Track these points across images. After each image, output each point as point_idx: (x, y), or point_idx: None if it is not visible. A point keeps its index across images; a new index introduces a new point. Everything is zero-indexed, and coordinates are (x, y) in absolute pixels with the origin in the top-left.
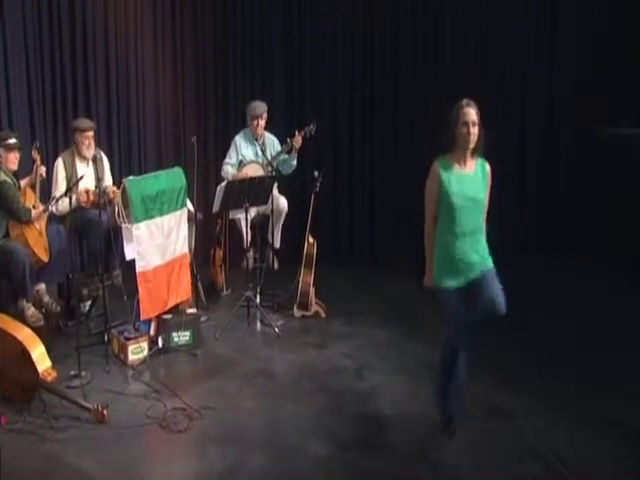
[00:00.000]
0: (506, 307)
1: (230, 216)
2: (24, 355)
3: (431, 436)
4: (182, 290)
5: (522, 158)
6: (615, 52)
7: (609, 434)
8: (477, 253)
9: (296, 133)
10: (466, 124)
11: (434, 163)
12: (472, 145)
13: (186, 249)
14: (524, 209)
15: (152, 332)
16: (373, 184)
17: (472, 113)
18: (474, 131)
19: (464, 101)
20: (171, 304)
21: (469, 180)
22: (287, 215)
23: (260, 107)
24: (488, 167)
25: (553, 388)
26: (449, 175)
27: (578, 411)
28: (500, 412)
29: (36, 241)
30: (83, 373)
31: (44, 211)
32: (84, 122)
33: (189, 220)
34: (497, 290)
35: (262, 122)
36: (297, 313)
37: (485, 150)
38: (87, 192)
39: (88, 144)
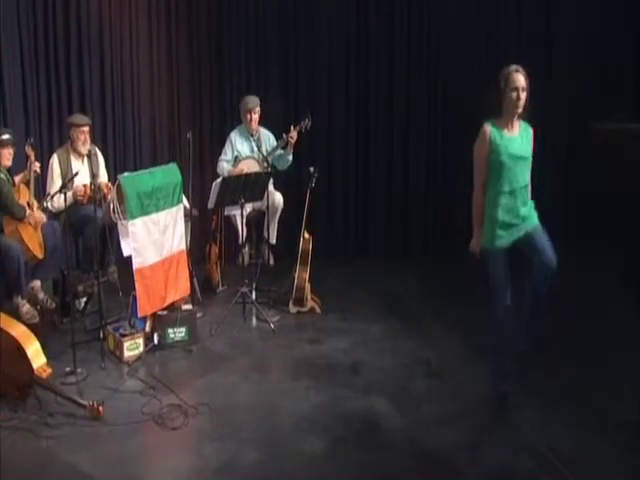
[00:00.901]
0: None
1: (226, 212)
2: (19, 352)
3: (427, 431)
4: (181, 287)
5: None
6: (609, 50)
7: (607, 432)
8: (525, 205)
9: (291, 128)
10: (516, 89)
11: (484, 125)
12: (520, 110)
13: (183, 246)
14: None
15: (147, 328)
16: (368, 180)
17: (521, 79)
18: (523, 96)
19: (513, 67)
20: (169, 301)
21: (516, 141)
22: (283, 211)
23: (252, 101)
24: (531, 129)
25: (552, 386)
26: (498, 136)
27: (576, 409)
28: (497, 408)
29: (31, 237)
30: (78, 370)
31: (39, 208)
32: (80, 118)
33: (184, 216)
34: (547, 243)
35: (255, 116)
36: (293, 309)
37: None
38: (85, 187)
39: (84, 140)
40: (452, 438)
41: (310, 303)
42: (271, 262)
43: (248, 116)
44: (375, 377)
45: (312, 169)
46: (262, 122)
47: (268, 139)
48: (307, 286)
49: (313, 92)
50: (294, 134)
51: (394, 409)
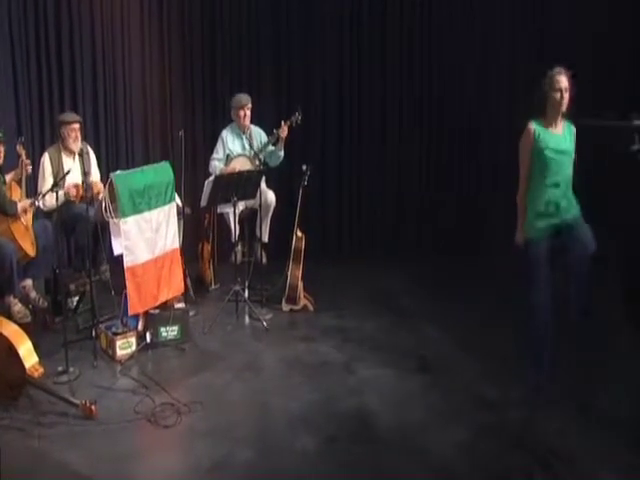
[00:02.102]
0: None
1: (218, 210)
2: (11, 351)
3: (420, 429)
4: (174, 285)
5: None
6: (609, 50)
7: (607, 432)
8: (566, 198)
9: (282, 123)
10: (559, 90)
11: (529, 124)
12: (564, 109)
13: (176, 244)
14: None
15: (140, 327)
16: (361, 178)
17: (564, 80)
18: (566, 96)
19: (556, 69)
20: (162, 299)
21: (560, 138)
22: (275, 209)
23: (244, 98)
24: (574, 128)
25: (552, 386)
26: (542, 133)
27: (576, 409)
28: (492, 405)
29: (23, 236)
30: (71, 369)
31: (31, 205)
32: (70, 115)
33: (177, 214)
34: (585, 231)
35: (248, 112)
36: (285, 307)
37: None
38: (77, 186)
39: (74, 137)
40: (447, 437)
41: (303, 301)
42: (264, 260)
43: (241, 112)
44: (368, 375)
45: (305, 167)
46: (254, 120)
47: (259, 136)
48: (300, 284)
49: (306, 90)
50: (285, 129)
51: (388, 407)
